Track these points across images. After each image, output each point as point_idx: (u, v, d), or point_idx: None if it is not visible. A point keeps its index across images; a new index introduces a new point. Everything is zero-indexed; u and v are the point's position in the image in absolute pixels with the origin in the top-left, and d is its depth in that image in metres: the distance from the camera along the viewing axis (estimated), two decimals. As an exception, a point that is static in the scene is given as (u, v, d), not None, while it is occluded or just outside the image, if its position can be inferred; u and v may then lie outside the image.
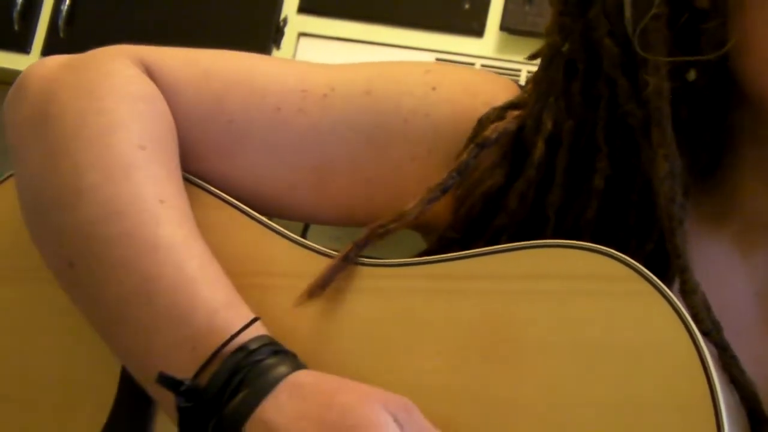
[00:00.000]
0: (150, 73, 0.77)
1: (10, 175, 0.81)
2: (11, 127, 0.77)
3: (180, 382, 0.66)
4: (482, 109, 0.76)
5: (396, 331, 0.70)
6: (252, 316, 0.69)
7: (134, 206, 0.71)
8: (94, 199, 0.71)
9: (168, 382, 0.66)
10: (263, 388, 0.65)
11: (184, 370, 0.67)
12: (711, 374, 0.59)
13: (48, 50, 2.63)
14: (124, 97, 0.74)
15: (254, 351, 0.66)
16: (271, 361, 0.66)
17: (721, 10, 0.69)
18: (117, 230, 0.70)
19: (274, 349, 0.67)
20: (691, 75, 0.70)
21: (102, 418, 0.76)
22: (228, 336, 0.67)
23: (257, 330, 0.68)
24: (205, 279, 0.70)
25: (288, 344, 0.69)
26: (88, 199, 0.71)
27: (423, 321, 0.69)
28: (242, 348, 0.67)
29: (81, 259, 0.72)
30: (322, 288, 0.72)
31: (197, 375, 0.67)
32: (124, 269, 0.70)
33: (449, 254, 0.70)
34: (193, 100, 0.78)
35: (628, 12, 0.70)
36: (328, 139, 0.77)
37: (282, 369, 0.66)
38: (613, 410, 0.62)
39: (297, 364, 0.67)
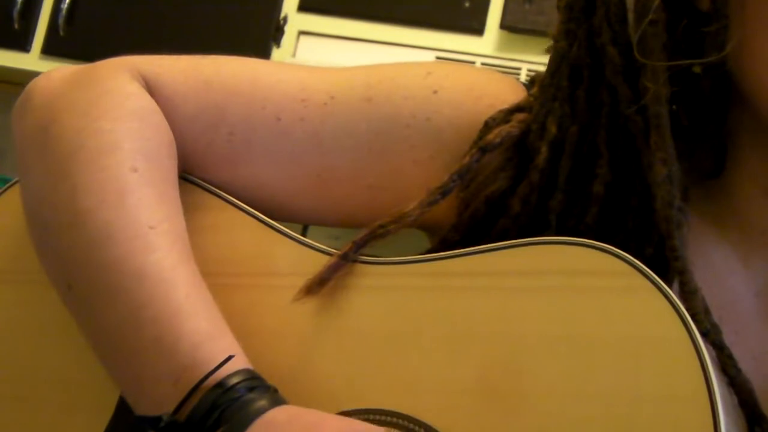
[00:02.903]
0: (150, 86, 0.77)
1: (16, 182, 0.82)
2: (18, 140, 0.78)
3: (159, 419, 0.66)
4: (487, 111, 0.76)
5: (394, 328, 0.70)
6: (232, 349, 0.68)
7: (125, 233, 0.70)
8: (88, 224, 0.71)
9: (147, 421, 0.66)
10: (239, 425, 0.65)
11: (167, 402, 0.67)
12: (707, 368, 0.60)
13: (48, 49, 2.64)
14: (120, 116, 0.74)
15: (231, 388, 0.66)
16: (248, 397, 0.66)
17: (723, 12, 0.68)
18: (108, 257, 0.70)
19: (251, 385, 0.67)
20: (695, 69, 0.69)
21: (105, 419, 0.76)
22: (207, 371, 0.66)
23: (238, 364, 0.68)
24: (190, 309, 0.69)
25: (289, 343, 0.70)
26: (83, 223, 0.71)
27: (422, 318, 0.69)
28: (220, 384, 0.66)
29: (77, 283, 0.72)
30: (319, 285, 0.72)
31: (177, 409, 0.66)
32: (114, 296, 0.70)
33: (448, 252, 0.70)
34: (193, 112, 0.78)
35: (631, 18, 0.70)
36: (329, 147, 0.77)
37: (259, 405, 0.66)
38: (610, 403, 0.62)
39: (275, 400, 0.67)
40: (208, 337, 0.68)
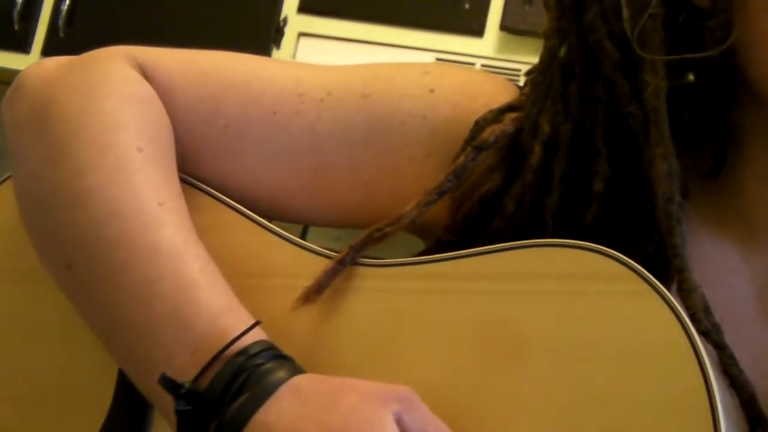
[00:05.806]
0: (146, 75, 0.77)
1: (9, 176, 0.81)
2: (9, 127, 0.77)
3: (180, 385, 0.66)
4: (482, 111, 0.76)
5: (394, 331, 0.70)
6: (252, 320, 0.69)
7: (133, 209, 0.71)
8: (93, 201, 0.71)
9: (169, 384, 0.66)
10: (264, 391, 0.65)
11: (184, 374, 0.67)
12: (708, 373, 0.60)
13: (48, 50, 2.63)
14: (123, 99, 0.75)
15: (255, 355, 0.66)
16: (271, 365, 0.66)
17: (724, 6, 0.68)
18: (116, 232, 0.70)
19: (273, 353, 0.67)
20: (690, 77, 0.69)
21: (99, 419, 0.76)
22: (229, 340, 0.67)
23: (257, 334, 0.68)
24: (206, 283, 0.70)
25: (287, 345, 0.69)
26: (88, 200, 0.71)
27: (421, 321, 0.69)
28: (243, 352, 0.67)
29: (79, 261, 0.72)
30: (317, 293, 0.72)
31: (197, 378, 0.66)
32: (123, 272, 0.70)
33: (447, 254, 0.70)
34: (190, 103, 0.78)
35: (625, 12, 0.69)
36: (324, 143, 0.77)
37: (282, 373, 0.66)
38: (610, 409, 0.62)
39: (296, 369, 0.67)
40: (225, 311, 0.69)
